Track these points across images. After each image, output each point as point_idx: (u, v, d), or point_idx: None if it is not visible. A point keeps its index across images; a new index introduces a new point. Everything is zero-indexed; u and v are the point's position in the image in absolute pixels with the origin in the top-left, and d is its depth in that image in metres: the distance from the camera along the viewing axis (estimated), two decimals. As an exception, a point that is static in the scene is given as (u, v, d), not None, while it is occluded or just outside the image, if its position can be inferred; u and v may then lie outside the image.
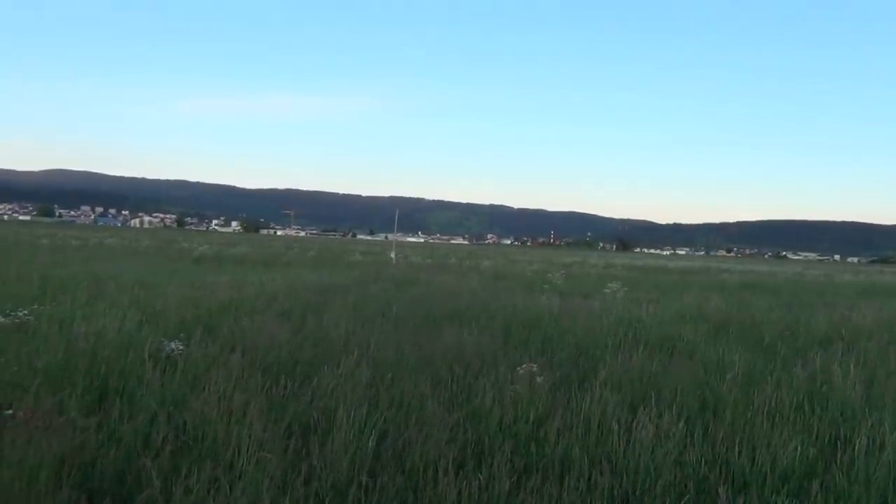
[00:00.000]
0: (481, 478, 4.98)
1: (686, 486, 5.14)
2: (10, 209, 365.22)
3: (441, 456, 5.28)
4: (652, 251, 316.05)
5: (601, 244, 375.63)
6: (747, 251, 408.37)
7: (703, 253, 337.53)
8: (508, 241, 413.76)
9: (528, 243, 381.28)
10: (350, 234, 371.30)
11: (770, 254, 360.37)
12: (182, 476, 4.60)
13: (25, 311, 10.51)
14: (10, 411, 5.53)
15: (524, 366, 8.27)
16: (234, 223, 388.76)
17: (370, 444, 5.53)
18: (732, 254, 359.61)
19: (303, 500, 4.52)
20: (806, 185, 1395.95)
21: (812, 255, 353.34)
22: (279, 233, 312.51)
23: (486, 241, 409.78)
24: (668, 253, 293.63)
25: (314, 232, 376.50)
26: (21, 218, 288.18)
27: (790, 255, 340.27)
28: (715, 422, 6.71)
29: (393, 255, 49.28)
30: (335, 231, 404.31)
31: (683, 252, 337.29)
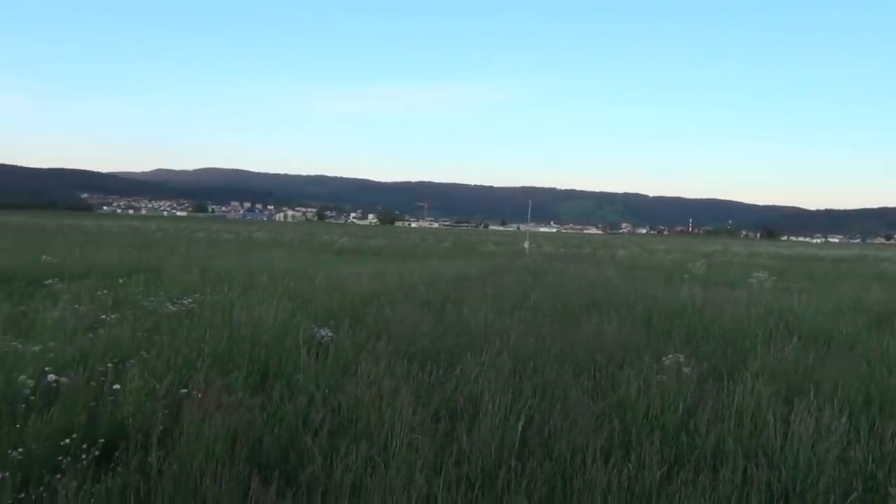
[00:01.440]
0: (630, 466, 4.93)
1: (852, 483, 4.87)
2: (168, 205, 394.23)
3: (588, 444, 5.26)
4: (800, 239, 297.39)
5: (744, 232, 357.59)
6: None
7: (858, 240, 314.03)
8: (644, 231, 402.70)
9: (665, 232, 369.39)
10: (482, 224, 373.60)
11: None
12: (341, 455, 4.84)
13: (190, 300, 11.38)
14: (186, 390, 6.03)
15: (669, 356, 8.08)
16: (370, 216, 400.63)
17: (517, 429, 5.60)
18: (893, 241, 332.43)
19: (454, 482, 4.64)
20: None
21: None
22: (413, 224, 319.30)
23: (621, 231, 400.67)
24: (818, 241, 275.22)
25: (447, 223, 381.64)
26: (178, 214, 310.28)
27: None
28: (882, 417, 6.29)
29: (526, 244, 49.23)
30: (468, 222, 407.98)
31: (836, 240, 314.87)
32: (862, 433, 5.72)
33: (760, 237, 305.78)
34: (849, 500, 4.57)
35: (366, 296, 14.05)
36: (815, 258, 52.31)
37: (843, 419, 5.87)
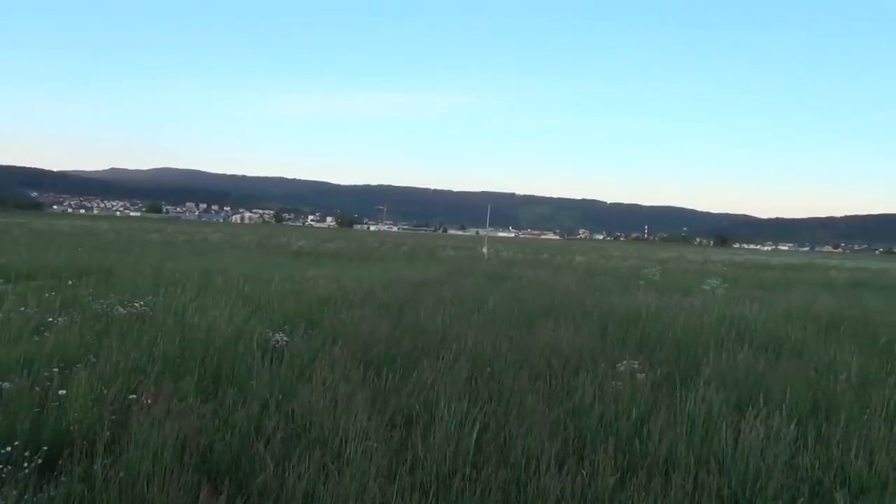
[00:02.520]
0: (584, 473, 4.95)
1: (799, 489, 4.96)
2: (122, 205, 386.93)
3: (543, 450, 5.28)
4: (752, 247, 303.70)
5: (698, 239, 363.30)
6: (856, 247, 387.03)
7: (807, 249, 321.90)
8: (601, 237, 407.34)
9: (622, 238, 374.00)
10: (441, 228, 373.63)
11: (882, 250, 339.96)
12: (294, 462, 4.78)
13: (142, 303, 11.13)
14: (134, 395, 5.89)
15: (624, 362, 8.16)
16: (328, 219, 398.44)
17: (472, 436, 5.59)
18: (840, 250, 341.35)
19: (409, 489, 4.61)
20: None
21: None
22: (372, 228, 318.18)
23: (578, 237, 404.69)
24: (769, 249, 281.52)
25: (406, 227, 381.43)
26: (132, 214, 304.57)
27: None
28: (828, 424, 6.43)
29: (485, 249, 49.38)
30: (427, 226, 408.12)
31: (786, 248, 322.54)
32: (809, 439, 5.85)
33: (714, 244, 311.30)
34: (796, 506, 4.65)
35: (322, 299, 13.92)
36: (766, 266, 53.43)
37: (792, 426, 5.98)
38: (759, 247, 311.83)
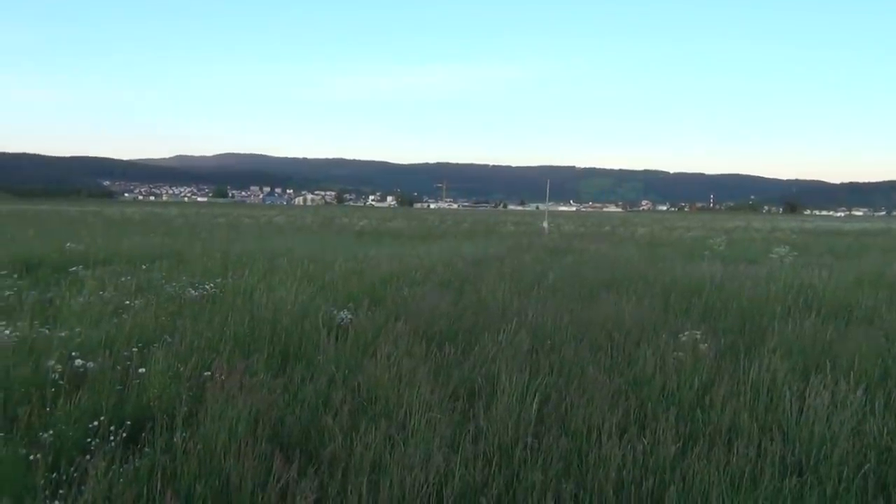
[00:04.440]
0: (645, 442, 5.00)
1: (866, 455, 4.90)
2: (189, 191, 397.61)
3: (604, 420, 5.33)
4: (824, 213, 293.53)
5: (766, 207, 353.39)
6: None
7: (883, 213, 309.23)
8: (664, 208, 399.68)
9: (686, 209, 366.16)
10: (501, 205, 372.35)
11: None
12: (360, 433, 4.95)
13: (212, 285, 11.55)
14: (209, 372, 6.18)
15: (686, 333, 8.11)
16: (389, 198, 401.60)
17: (533, 407, 5.68)
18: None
19: (472, 458, 4.73)
20: None
21: None
22: (432, 206, 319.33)
23: (641, 208, 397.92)
24: (842, 214, 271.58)
25: (466, 204, 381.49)
26: (199, 199, 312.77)
27: None
28: (898, 391, 6.30)
29: (545, 224, 49.06)
30: (486, 202, 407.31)
31: (861, 213, 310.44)
32: (877, 406, 5.74)
33: (783, 212, 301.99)
34: (862, 472, 4.60)
35: (385, 278, 14.16)
36: (839, 232, 51.74)
37: (859, 393, 5.88)
38: (831, 213, 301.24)
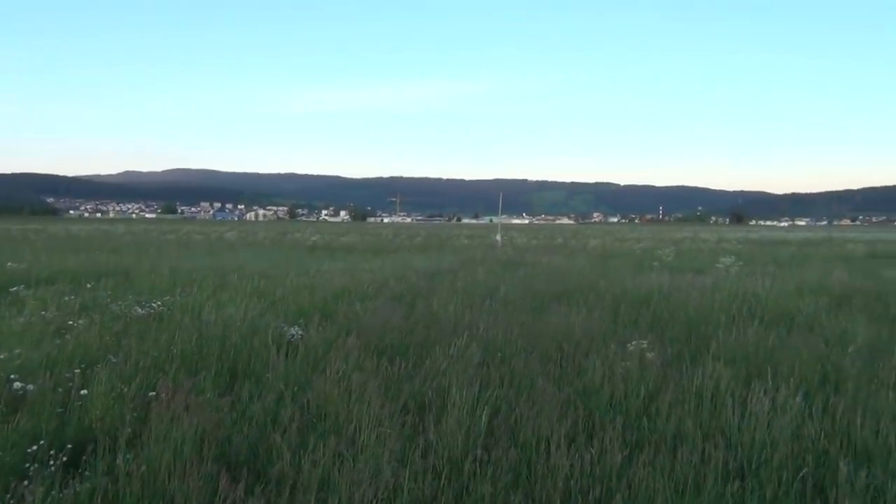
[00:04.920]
0: (593, 451, 5.06)
1: (804, 459, 5.05)
2: (137, 208, 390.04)
3: (553, 431, 5.39)
4: (768, 223, 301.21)
5: (713, 218, 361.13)
6: (875, 219, 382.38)
7: (825, 223, 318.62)
8: (615, 219, 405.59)
9: (636, 220, 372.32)
10: (455, 218, 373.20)
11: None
12: (309, 450, 4.92)
13: (159, 303, 11.34)
14: (154, 392, 6.06)
15: (634, 342, 8.25)
16: (342, 212, 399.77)
17: (483, 419, 5.71)
18: (858, 223, 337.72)
19: (421, 473, 4.74)
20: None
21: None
22: (386, 220, 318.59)
23: (592, 220, 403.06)
24: (786, 225, 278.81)
25: (420, 218, 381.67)
26: (147, 215, 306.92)
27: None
28: (836, 395, 6.50)
29: (498, 237, 49.36)
30: (440, 216, 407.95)
31: (803, 223, 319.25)
32: (815, 410, 5.92)
33: (729, 222, 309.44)
34: (801, 475, 4.74)
35: (337, 292, 14.08)
36: (782, 241, 53.19)
37: (798, 398, 6.07)
38: (775, 223, 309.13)
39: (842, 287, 15.60)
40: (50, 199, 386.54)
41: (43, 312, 10.02)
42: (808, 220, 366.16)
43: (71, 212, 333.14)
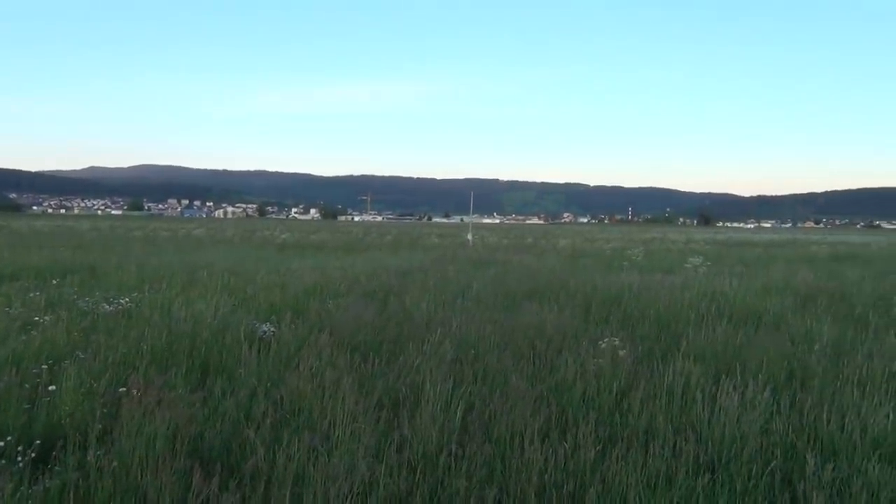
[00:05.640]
0: (566, 446, 5.10)
1: (773, 453, 5.14)
2: (102, 204, 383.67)
3: (526, 426, 5.42)
4: (735, 225, 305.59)
5: (681, 219, 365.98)
6: (837, 222, 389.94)
7: (790, 225, 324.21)
8: (585, 220, 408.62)
9: (606, 221, 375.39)
10: (426, 217, 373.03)
11: (862, 224, 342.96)
12: (283, 446, 4.89)
13: (127, 299, 11.20)
14: (124, 388, 5.98)
15: (606, 340, 8.33)
16: (312, 210, 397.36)
17: (457, 415, 5.73)
18: (822, 225, 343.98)
19: (396, 467, 4.74)
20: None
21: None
22: (356, 218, 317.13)
23: (563, 220, 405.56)
24: (752, 226, 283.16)
25: (391, 216, 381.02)
26: (113, 212, 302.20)
27: (885, 225, 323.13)
28: (802, 391, 6.64)
29: (469, 236, 49.45)
30: (411, 215, 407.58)
31: (769, 225, 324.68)
32: (783, 406, 6.04)
33: (697, 223, 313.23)
34: (770, 468, 4.83)
35: (308, 290, 14.02)
36: (749, 243, 54.03)
37: (766, 394, 6.18)
38: (742, 225, 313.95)
39: (807, 287, 15.89)
40: (12, 195, 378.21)
41: (7, 309, 9.85)
42: (773, 221, 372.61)
43: (34, 207, 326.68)
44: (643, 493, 4.53)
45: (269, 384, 6.66)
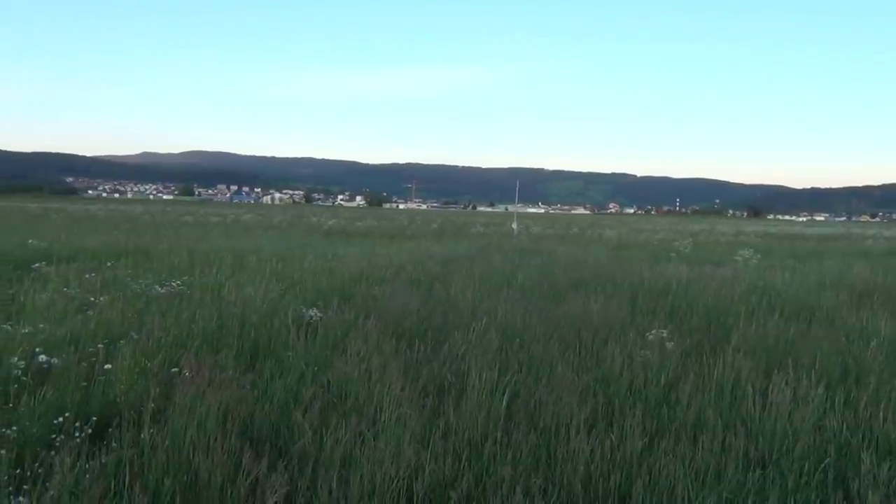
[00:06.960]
0: (613, 438, 5.07)
1: (826, 450, 5.03)
2: (154, 189, 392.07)
3: (572, 416, 5.40)
4: (787, 218, 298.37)
5: (731, 211, 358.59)
6: (894, 216, 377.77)
7: (844, 218, 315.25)
8: (631, 210, 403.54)
9: (653, 212, 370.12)
10: (471, 206, 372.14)
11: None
12: (331, 429, 4.95)
13: (179, 282, 11.43)
14: (177, 368, 6.13)
15: (653, 332, 8.23)
16: (358, 198, 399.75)
17: (502, 403, 5.74)
18: (877, 219, 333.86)
19: (442, 454, 4.76)
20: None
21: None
22: (401, 206, 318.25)
23: (608, 211, 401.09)
24: (804, 219, 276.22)
25: (435, 205, 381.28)
26: (165, 197, 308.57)
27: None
28: (857, 389, 6.46)
29: (514, 225, 49.32)
30: (456, 203, 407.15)
31: (822, 218, 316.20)
32: (837, 402, 5.90)
33: (747, 216, 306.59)
34: (822, 466, 4.73)
35: (354, 276, 14.15)
36: (801, 236, 52.76)
37: (820, 390, 6.04)
38: (794, 218, 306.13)
39: (862, 283, 15.45)
40: (69, 179, 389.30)
41: (65, 289, 10.13)
42: (826, 215, 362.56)
43: (89, 192, 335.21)
44: (691, 486, 4.47)
45: (316, 368, 6.75)
